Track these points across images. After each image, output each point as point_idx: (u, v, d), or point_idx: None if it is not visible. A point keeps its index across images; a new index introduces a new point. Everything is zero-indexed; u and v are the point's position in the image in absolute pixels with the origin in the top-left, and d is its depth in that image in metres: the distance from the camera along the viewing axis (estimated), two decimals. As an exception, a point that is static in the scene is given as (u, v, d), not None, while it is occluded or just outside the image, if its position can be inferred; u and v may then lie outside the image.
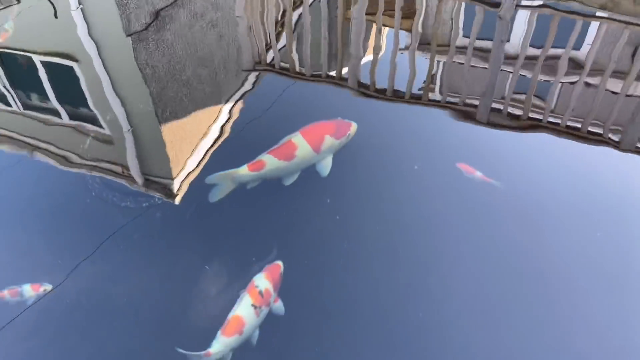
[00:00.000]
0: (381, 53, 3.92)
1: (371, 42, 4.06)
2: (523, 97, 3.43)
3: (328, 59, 3.94)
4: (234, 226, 2.67)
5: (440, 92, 3.53)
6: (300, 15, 4.29)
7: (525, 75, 3.59)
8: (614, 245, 2.53)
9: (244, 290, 2.30)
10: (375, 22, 4.14)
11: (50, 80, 3.82)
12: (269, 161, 2.74)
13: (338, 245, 2.57)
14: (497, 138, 3.20)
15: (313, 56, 3.91)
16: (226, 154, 3.09)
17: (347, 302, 2.36)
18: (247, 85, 3.69)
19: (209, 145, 3.18)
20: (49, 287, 2.45)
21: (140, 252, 2.58)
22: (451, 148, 3.03)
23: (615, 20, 3.92)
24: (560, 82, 3.52)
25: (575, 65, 3.62)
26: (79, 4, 4.42)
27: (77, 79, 3.80)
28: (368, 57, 3.87)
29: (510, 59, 3.69)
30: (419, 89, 3.54)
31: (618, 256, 2.49)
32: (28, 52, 4.01)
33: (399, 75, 3.61)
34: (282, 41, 4.12)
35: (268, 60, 3.87)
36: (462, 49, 3.81)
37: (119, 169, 3.09)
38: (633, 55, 3.66)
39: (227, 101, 3.51)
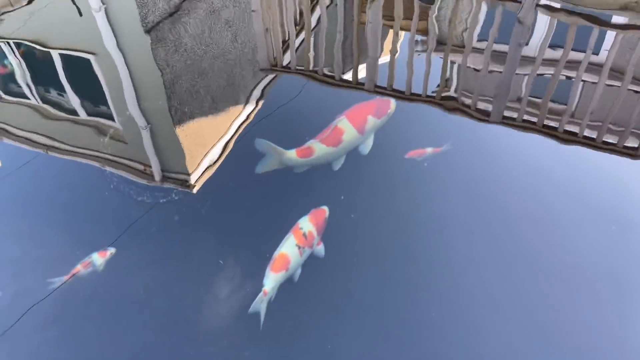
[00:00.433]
0: (397, 55, 3.94)
1: (387, 45, 4.07)
2: (534, 98, 3.41)
3: (344, 61, 3.96)
4: (249, 221, 2.69)
5: (455, 92, 3.52)
6: (317, 19, 4.32)
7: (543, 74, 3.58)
8: (628, 247, 2.51)
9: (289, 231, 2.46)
10: (391, 26, 4.15)
11: (69, 76, 3.89)
12: (318, 148, 2.79)
13: (351, 242, 2.58)
14: (510, 138, 3.18)
15: (329, 58, 3.93)
16: (242, 151, 3.12)
17: (358, 299, 2.37)
18: (264, 84, 3.72)
19: (225, 142, 3.21)
20: (113, 250, 2.56)
21: (157, 246, 2.62)
22: (464, 147, 3.03)
23: (634, 27, 3.88)
24: (581, 81, 3.49)
25: (593, 69, 3.60)
26: (102, 3, 4.49)
27: (95, 75, 3.87)
28: (382, 59, 3.89)
29: (525, 59, 3.68)
30: (433, 91, 3.54)
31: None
32: (49, 47, 4.09)
33: (414, 77, 3.62)
34: (298, 42, 4.15)
35: (285, 61, 3.90)
36: (478, 50, 3.81)
37: (136, 164, 3.14)
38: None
39: (243, 99, 3.55)
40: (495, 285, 2.39)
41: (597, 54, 3.67)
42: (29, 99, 3.77)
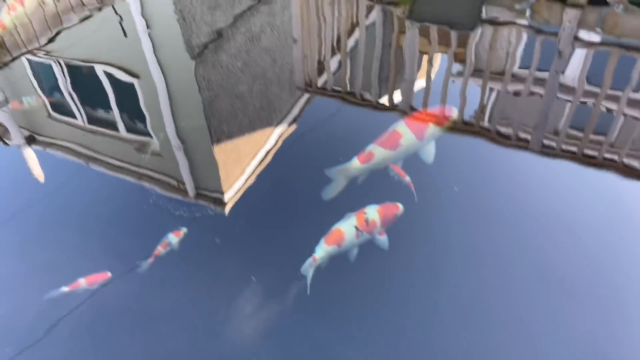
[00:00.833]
0: (433, 79, 3.95)
1: (423, 69, 4.10)
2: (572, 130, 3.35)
3: (379, 84, 4.00)
4: (281, 241, 2.70)
5: (490, 120, 3.49)
6: (354, 41, 4.39)
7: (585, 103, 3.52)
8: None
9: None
10: (426, 52, 4.18)
11: (114, 94, 4.05)
12: (377, 151, 2.85)
13: (369, 263, 2.55)
14: (550, 168, 3.12)
15: (365, 80, 3.98)
16: (276, 170, 3.16)
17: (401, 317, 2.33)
18: (300, 105, 3.78)
19: (259, 161, 3.26)
20: (185, 229, 2.71)
21: (191, 259, 2.65)
22: (498, 174, 2.99)
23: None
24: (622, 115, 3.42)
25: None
26: (148, 27, 4.70)
27: (138, 94, 4.01)
28: (418, 84, 3.90)
29: (563, 87, 3.64)
30: (470, 117, 3.52)
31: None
32: (94, 63, 4.27)
33: (449, 102, 3.61)
34: (334, 64, 4.21)
35: (320, 82, 3.97)
36: (517, 78, 3.79)
37: (171, 180, 3.21)
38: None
39: (278, 120, 3.61)
40: (530, 315, 2.31)
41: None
42: (74, 115, 3.93)
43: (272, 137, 3.44)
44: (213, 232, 2.79)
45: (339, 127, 3.47)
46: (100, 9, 5.03)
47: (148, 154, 3.41)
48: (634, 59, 3.81)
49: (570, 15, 4.24)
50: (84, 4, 5.08)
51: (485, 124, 3.44)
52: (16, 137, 3.74)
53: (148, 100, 3.92)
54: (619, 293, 2.38)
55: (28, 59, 4.43)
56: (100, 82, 4.12)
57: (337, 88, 3.89)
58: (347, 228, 2.49)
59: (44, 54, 4.46)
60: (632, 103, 3.51)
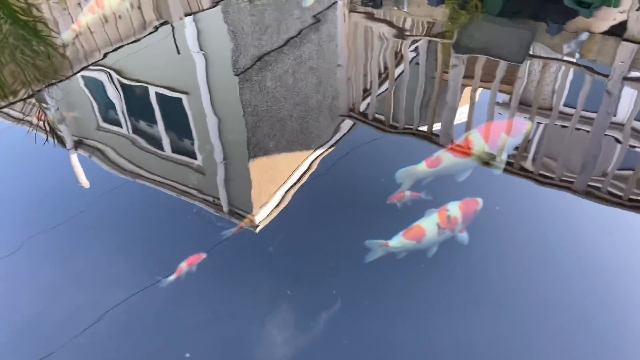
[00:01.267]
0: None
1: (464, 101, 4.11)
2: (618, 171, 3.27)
3: (420, 115, 4.03)
4: (317, 260, 2.71)
5: (534, 159, 3.43)
6: (399, 73, 4.47)
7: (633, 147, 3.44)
8: None
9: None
10: (471, 86, 4.20)
11: (161, 111, 4.21)
12: (446, 157, 2.85)
13: (413, 287, 2.52)
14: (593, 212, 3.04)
15: (407, 111, 4.02)
16: (311, 192, 3.20)
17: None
18: (341, 131, 3.84)
19: (295, 182, 3.30)
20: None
21: (229, 271, 2.69)
22: (536, 213, 2.94)
23: None
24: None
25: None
26: (200, 49, 4.91)
27: (185, 110, 4.16)
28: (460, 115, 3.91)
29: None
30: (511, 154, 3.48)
31: None
32: (146, 83, 4.46)
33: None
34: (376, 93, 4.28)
35: (363, 107, 4.03)
36: (564, 116, 3.75)
37: (207, 196, 3.27)
38: None
39: (317, 144, 3.66)
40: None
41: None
42: (124, 131, 4.08)
43: (309, 159, 3.49)
44: (252, 245, 2.84)
45: (379, 152, 3.50)
46: (157, 28, 5.29)
47: (195, 174, 3.51)
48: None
49: (626, 51, 4.20)
50: (144, 20, 5.37)
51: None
52: (70, 146, 3.90)
53: (196, 117, 4.06)
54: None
55: (82, 75, 4.66)
56: (149, 98, 4.30)
57: (379, 117, 3.93)
58: (428, 225, 2.44)
59: (101, 68, 4.70)
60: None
